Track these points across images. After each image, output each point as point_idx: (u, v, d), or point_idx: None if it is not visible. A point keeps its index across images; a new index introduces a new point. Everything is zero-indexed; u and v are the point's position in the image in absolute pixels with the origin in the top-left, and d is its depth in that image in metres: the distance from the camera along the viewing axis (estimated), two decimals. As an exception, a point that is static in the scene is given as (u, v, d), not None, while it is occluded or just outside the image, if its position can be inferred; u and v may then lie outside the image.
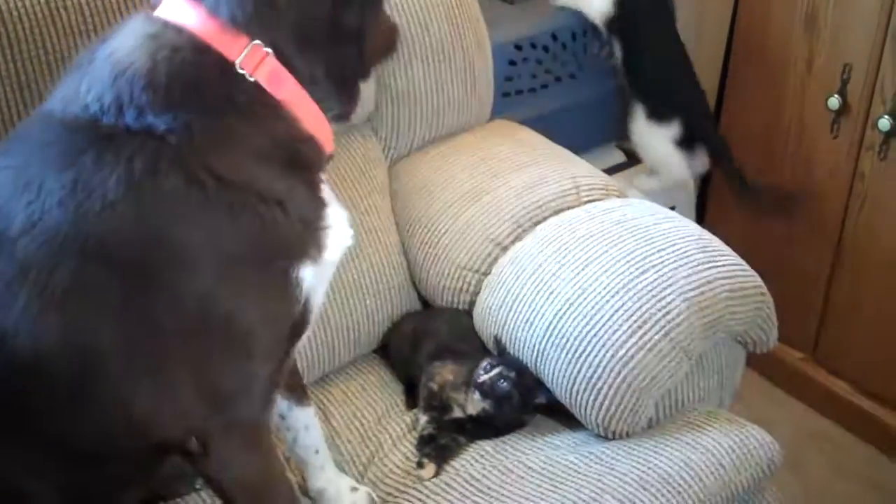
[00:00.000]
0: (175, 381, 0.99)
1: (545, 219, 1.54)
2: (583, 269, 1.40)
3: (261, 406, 1.07)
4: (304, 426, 1.34)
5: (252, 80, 0.99)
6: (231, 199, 0.97)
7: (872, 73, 1.90)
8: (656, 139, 2.01)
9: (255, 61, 0.99)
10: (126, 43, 1.01)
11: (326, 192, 1.10)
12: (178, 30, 1.00)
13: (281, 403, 1.31)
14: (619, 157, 2.20)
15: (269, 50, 1.00)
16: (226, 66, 0.99)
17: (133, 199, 0.94)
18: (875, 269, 2.02)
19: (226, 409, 1.03)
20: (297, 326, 1.08)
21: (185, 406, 1.00)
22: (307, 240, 1.05)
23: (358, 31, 1.05)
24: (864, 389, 2.12)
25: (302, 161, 1.05)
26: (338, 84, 1.07)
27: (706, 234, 1.47)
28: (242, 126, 1.00)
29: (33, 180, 0.96)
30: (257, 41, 1.00)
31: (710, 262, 1.39)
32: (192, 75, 0.98)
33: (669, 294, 1.35)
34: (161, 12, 1.03)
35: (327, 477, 1.35)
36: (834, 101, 1.97)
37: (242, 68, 0.99)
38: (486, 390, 1.38)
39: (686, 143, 2.01)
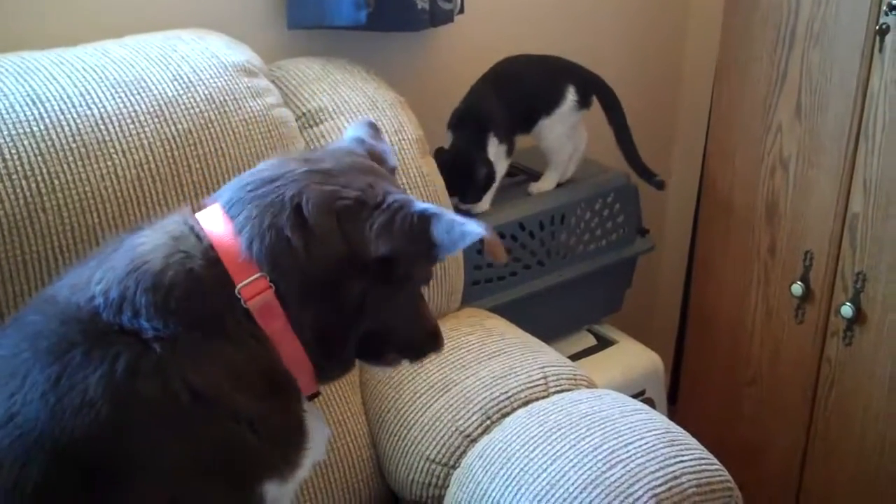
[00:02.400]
0: None
1: (514, 410, 1.54)
2: (551, 464, 1.40)
3: None
4: None
5: (246, 307, 1.01)
6: (203, 414, 0.98)
7: (833, 260, 1.97)
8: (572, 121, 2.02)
9: (255, 291, 1.02)
10: (153, 238, 1.05)
11: (310, 417, 1.11)
12: (200, 238, 1.04)
13: None
14: (590, 341, 2.22)
15: (272, 286, 1.02)
16: (226, 287, 1.02)
17: (110, 399, 0.96)
18: (847, 452, 2.03)
19: None
20: None
21: None
22: (278, 461, 1.06)
23: (358, 306, 1.06)
24: (845, 575, 2.09)
25: (280, 390, 1.06)
26: (319, 342, 1.07)
27: (674, 427, 1.48)
28: (226, 348, 1.01)
29: (19, 371, 0.98)
30: (264, 274, 1.02)
31: (677, 456, 1.40)
32: (192, 287, 1.01)
33: (638, 490, 1.34)
34: (200, 214, 1.08)
35: None
36: (797, 288, 2.03)
37: (241, 294, 1.01)
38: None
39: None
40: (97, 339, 0.98)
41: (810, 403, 2.08)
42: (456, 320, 1.76)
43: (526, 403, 1.55)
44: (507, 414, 1.54)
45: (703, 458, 1.42)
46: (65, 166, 1.34)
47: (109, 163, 1.37)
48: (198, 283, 1.02)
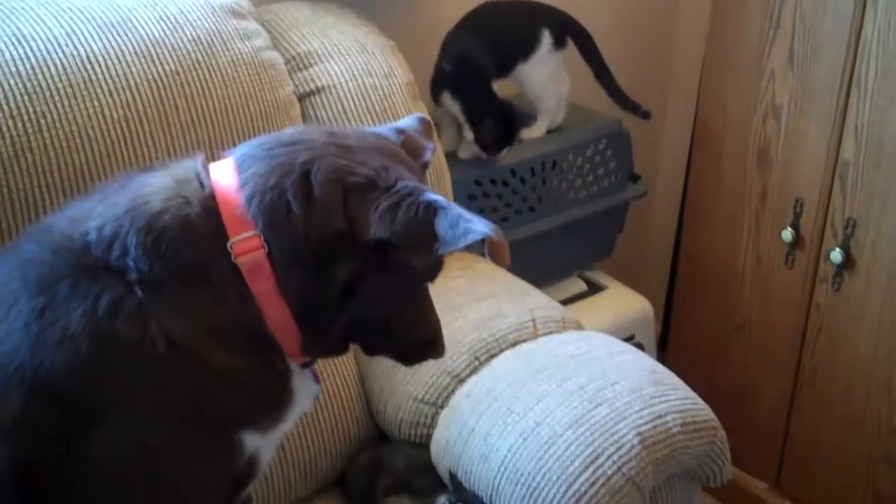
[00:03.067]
0: None
1: (502, 351, 1.56)
2: (537, 404, 1.41)
3: None
4: (257, 564, 1.33)
5: (235, 262, 1.00)
6: (179, 364, 0.98)
7: (823, 207, 1.97)
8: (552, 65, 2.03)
9: (246, 248, 1.00)
10: (160, 180, 1.04)
11: (298, 374, 1.10)
12: (203, 185, 1.03)
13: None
14: (580, 286, 2.23)
15: (265, 246, 1.00)
16: (219, 239, 1.00)
17: (89, 337, 0.96)
18: (834, 398, 2.05)
19: None
20: (242, 478, 1.09)
21: None
22: (257, 414, 1.06)
23: (348, 287, 1.03)
24: (828, 519, 2.12)
25: (261, 349, 1.04)
26: (305, 314, 1.04)
27: (660, 368, 1.50)
28: (208, 301, 1.00)
29: (6, 299, 0.98)
30: (259, 233, 1.00)
31: (662, 395, 1.41)
32: (185, 233, 1.00)
33: (622, 428, 1.36)
34: (213, 164, 1.06)
35: None
36: (787, 234, 2.03)
37: (232, 248, 1.00)
38: (447, 527, 1.38)
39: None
40: (84, 274, 0.98)
41: (798, 349, 2.09)
42: (446, 265, 1.75)
43: (514, 345, 1.57)
44: (495, 355, 1.55)
45: (688, 398, 1.43)
46: (51, 106, 1.33)
47: (96, 103, 1.36)
48: (190, 230, 1.00)
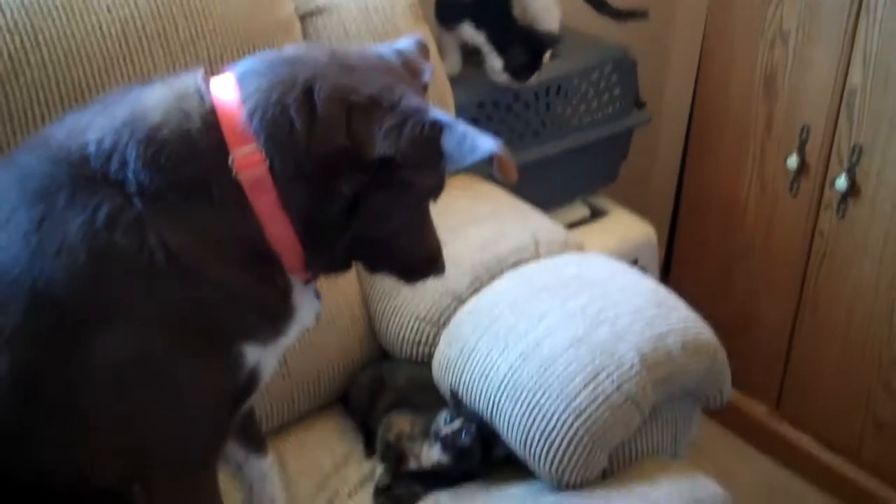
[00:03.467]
0: (108, 427, 1.01)
1: (503, 272, 1.56)
2: (538, 323, 1.42)
3: (203, 457, 1.09)
4: (261, 476, 1.35)
5: (236, 177, 0.99)
6: (177, 276, 0.98)
7: (829, 134, 1.95)
8: None
9: (248, 162, 0.99)
10: (157, 94, 1.04)
11: (299, 290, 1.10)
12: (204, 99, 1.02)
13: (238, 453, 1.33)
14: (584, 211, 2.23)
15: (267, 161, 1.00)
16: (220, 153, 0.99)
17: (88, 248, 0.96)
18: (835, 325, 2.05)
19: (163, 458, 1.04)
20: (242, 391, 1.10)
21: (119, 452, 1.02)
22: (257, 328, 1.06)
23: (351, 204, 1.02)
24: (827, 442, 2.14)
25: (261, 264, 1.04)
26: (307, 231, 1.04)
27: (662, 289, 1.50)
28: (208, 214, 1.00)
29: (5, 209, 0.99)
30: (260, 148, 0.99)
31: (663, 316, 1.42)
32: (186, 147, 1.00)
33: (623, 348, 1.37)
34: (214, 79, 1.05)
35: (283, 526, 1.36)
36: (792, 161, 2.02)
37: (233, 163, 0.99)
38: (448, 443, 1.39)
39: None
40: (83, 185, 0.98)
41: (801, 277, 2.09)
42: (448, 184, 1.74)
43: (516, 266, 1.57)
44: (497, 276, 1.56)
45: (690, 319, 1.44)
46: (49, 22, 1.32)
47: (94, 18, 1.35)
48: (191, 144, 1.00)
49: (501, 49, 1.88)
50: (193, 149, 1.00)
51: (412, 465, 1.42)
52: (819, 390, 2.13)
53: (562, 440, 1.32)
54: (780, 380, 2.20)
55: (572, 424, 1.32)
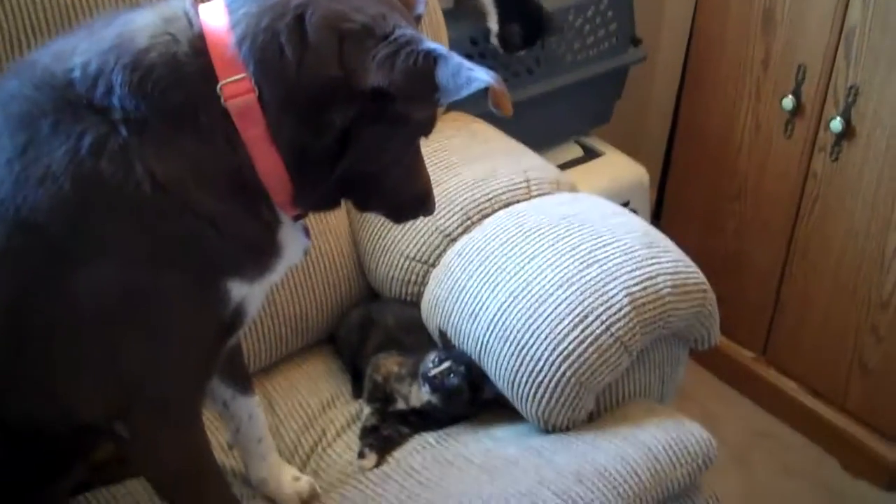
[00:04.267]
0: (93, 362, 0.99)
1: (494, 212, 1.55)
2: (528, 263, 1.41)
3: (188, 393, 1.07)
4: (247, 415, 1.34)
5: (224, 106, 0.97)
6: (163, 206, 0.96)
7: (826, 74, 1.93)
8: None
9: (237, 91, 0.96)
10: (145, 18, 1.00)
11: (287, 226, 1.08)
12: (192, 24, 0.99)
13: (224, 392, 1.32)
14: (577, 151, 2.21)
15: (256, 89, 0.97)
16: (208, 81, 0.96)
17: (72, 176, 0.94)
18: (825, 269, 2.05)
19: (148, 394, 1.03)
20: (229, 327, 1.08)
21: (104, 387, 1.01)
22: (243, 262, 1.04)
23: (342, 136, 1.00)
24: (813, 389, 2.15)
25: (248, 196, 1.02)
26: (297, 164, 1.01)
27: (652, 231, 1.49)
28: (194, 143, 0.97)
29: None
30: (250, 76, 0.96)
31: (653, 258, 1.41)
32: (173, 72, 0.96)
33: (612, 289, 1.36)
34: (202, 4, 1.01)
35: (269, 466, 1.35)
36: (788, 102, 2.00)
37: (222, 91, 0.96)
38: (437, 384, 1.39)
39: None
40: (67, 111, 0.95)
41: (793, 219, 2.08)
42: (441, 123, 1.72)
43: (507, 205, 1.56)
44: (488, 215, 1.54)
45: (680, 261, 1.43)
46: (34, -55, 1.29)
47: (80, -58, 1.31)
48: (178, 69, 0.97)
49: (503, 18, 1.86)
50: (180, 74, 0.97)
51: (400, 405, 1.42)
52: (807, 335, 2.13)
53: (549, 382, 1.32)
54: (769, 325, 2.20)
55: (560, 367, 1.32)
